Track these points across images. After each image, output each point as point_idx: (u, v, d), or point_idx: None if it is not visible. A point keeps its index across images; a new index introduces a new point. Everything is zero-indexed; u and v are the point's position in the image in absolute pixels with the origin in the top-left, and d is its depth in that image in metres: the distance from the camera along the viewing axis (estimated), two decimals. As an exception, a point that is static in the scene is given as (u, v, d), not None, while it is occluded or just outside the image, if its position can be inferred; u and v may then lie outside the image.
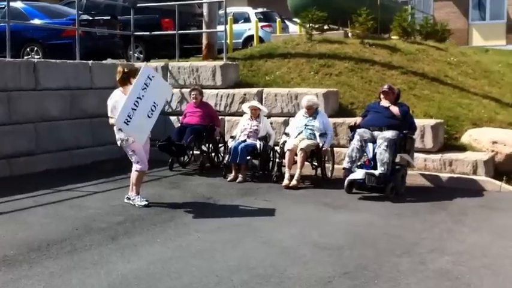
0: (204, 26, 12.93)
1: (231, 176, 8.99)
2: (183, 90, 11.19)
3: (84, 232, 6.15)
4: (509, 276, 4.94)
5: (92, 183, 8.63)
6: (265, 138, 9.19)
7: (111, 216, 6.76)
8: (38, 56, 11.85)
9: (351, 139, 8.27)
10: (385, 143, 7.76)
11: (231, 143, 9.24)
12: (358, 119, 8.63)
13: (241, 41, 18.06)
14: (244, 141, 9.07)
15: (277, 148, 9.27)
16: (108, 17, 13.34)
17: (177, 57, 12.18)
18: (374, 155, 7.88)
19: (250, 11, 19.86)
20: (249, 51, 13.66)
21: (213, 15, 12.84)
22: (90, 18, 12.95)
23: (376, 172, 7.72)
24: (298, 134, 8.85)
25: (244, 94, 10.62)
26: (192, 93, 10.06)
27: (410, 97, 10.54)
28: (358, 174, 7.86)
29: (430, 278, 4.88)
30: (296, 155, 8.57)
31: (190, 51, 14.10)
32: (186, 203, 7.54)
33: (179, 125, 10.34)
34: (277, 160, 9.13)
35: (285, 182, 8.44)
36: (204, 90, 10.89)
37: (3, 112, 9.05)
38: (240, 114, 9.99)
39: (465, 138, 9.40)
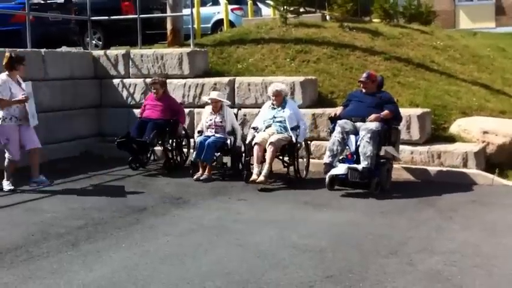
0: (168, 10, 12.89)
1: (198, 174, 8.90)
2: (147, 80, 11.11)
3: (41, 238, 6.10)
4: (503, 275, 5.04)
5: (47, 184, 8.55)
6: (234, 133, 9.14)
7: (71, 220, 6.72)
8: (-16, 44, 11.68)
9: (331, 131, 8.25)
10: (368, 135, 7.75)
11: (197, 138, 9.12)
12: (338, 109, 8.59)
13: (209, 25, 18.04)
14: (213, 135, 8.99)
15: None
16: (62, 1, 13.21)
17: (140, 44, 12.12)
18: (357, 148, 7.87)
19: (219, -7, 19.81)
20: (218, 36, 13.66)
21: (178, -3, 12.80)
22: (42, 1, 12.81)
23: (359, 166, 7.73)
24: (267, 127, 8.67)
25: (215, 84, 10.61)
26: (153, 86, 9.85)
27: (395, 85, 10.67)
28: (340, 169, 7.85)
29: (419, 279, 4.95)
30: (265, 150, 8.39)
31: (154, 37, 14.02)
32: (153, 204, 7.53)
33: (138, 119, 9.98)
34: (245, 158, 8.87)
35: (253, 176, 8.25)
36: (170, 80, 10.88)
37: None
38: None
39: (454, 129, 9.55)
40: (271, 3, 15.35)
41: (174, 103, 9.97)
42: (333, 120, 8.36)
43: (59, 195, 8.03)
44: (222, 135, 9.03)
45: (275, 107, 8.77)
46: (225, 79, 10.68)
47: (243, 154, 9.06)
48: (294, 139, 8.49)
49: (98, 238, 6.11)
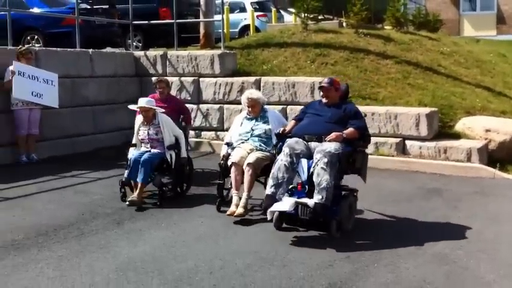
0: (201, 15, 12.92)
1: (134, 196, 6.60)
2: (182, 78, 11.19)
3: (90, 217, 6.19)
4: (505, 259, 5.01)
5: (95, 169, 8.64)
6: (176, 147, 6.97)
7: (115, 202, 6.78)
8: (39, 45, 11.79)
9: (278, 152, 5.88)
10: (325, 160, 5.44)
11: (130, 154, 6.94)
12: (289, 124, 6.32)
13: (237, 30, 18.05)
14: (149, 151, 6.91)
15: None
16: (107, 6, 13.30)
17: (176, 46, 12.15)
18: (310, 176, 5.56)
19: (246, 1, 19.81)
20: (245, 40, 13.66)
21: (210, 4, 12.83)
22: (89, 7, 12.91)
23: (311, 202, 5.43)
24: (242, 143, 6.51)
25: (242, 83, 10.63)
26: (158, 85, 8.21)
27: (405, 86, 10.61)
28: (285, 204, 5.46)
29: (428, 262, 4.94)
30: (243, 172, 6.21)
31: (188, 40, 14.07)
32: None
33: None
34: (218, 181, 6.54)
35: (231, 208, 6.04)
36: (203, 79, 10.94)
37: (5, 100, 9.02)
38: (239, 102, 9.94)
39: (459, 127, 9.47)
40: (293, 10, 15.31)
41: (180, 102, 8.75)
42: (281, 138, 6.03)
43: (105, 180, 8.10)
44: (160, 149, 6.92)
45: (251, 117, 6.65)
46: (252, 78, 10.69)
47: (190, 169, 7.34)
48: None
49: (140, 218, 6.18)
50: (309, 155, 5.63)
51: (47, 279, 4.49)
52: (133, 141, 7.13)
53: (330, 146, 5.57)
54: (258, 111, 6.61)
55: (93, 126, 10.30)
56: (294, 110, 10.05)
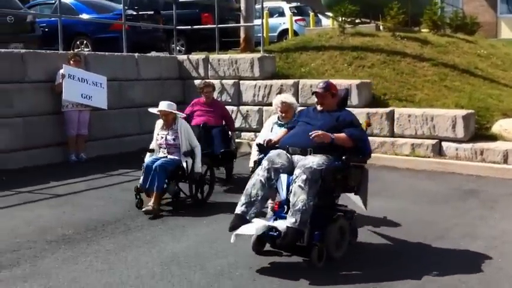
0: (241, 20, 13.00)
1: (149, 205, 6.23)
2: (223, 81, 11.30)
3: (135, 214, 6.32)
4: (541, 260, 4.93)
5: (140, 168, 8.69)
6: (192, 153, 6.53)
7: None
8: (88, 49, 12.08)
9: (257, 164, 5.06)
10: (303, 177, 4.58)
11: (146, 159, 6.66)
12: (279, 133, 5.53)
13: (276, 34, 18.09)
14: (165, 157, 6.56)
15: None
16: (152, 12, 13.50)
17: (217, 50, 12.26)
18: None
19: (285, 6, 19.88)
20: (284, 44, 13.69)
21: (250, 9, 12.89)
22: (135, 13, 13.14)
23: (282, 225, 4.58)
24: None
25: (281, 85, 10.67)
26: (205, 89, 7.92)
27: (442, 88, 10.47)
28: (251, 227, 4.62)
29: (463, 261, 4.89)
30: None
31: (228, 44, 14.18)
32: (226, 188, 7.64)
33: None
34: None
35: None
36: (243, 82, 11.02)
37: (57, 102, 9.27)
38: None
39: (496, 128, 9.29)
40: (331, 15, 15.26)
41: (224, 109, 8.34)
42: (264, 150, 5.17)
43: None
44: (177, 156, 6.56)
45: (283, 123, 6.04)
46: (290, 81, 10.71)
47: (205, 181, 6.79)
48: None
49: (183, 215, 6.28)
50: (291, 170, 4.75)
51: (96, 272, 4.63)
52: (151, 146, 6.75)
53: (313, 160, 4.68)
54: (290, 116, 5.99)
55: (139, 127, 10.49)
56: (331, 112, 10.06)
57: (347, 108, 5.35)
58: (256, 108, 10.89)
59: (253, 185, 4.78)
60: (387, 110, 9.62)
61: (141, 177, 6.47)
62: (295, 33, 17.10)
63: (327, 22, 18.82)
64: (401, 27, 13.47)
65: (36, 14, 12.59)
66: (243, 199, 4.78)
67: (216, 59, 11.62)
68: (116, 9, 13.02)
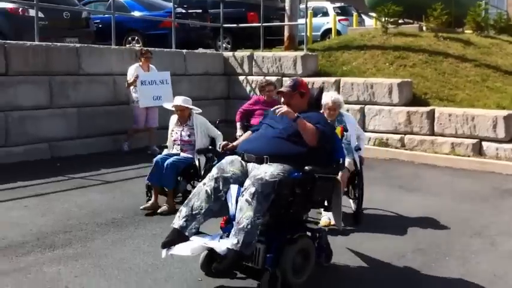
0: (286, 19, 13.00)
1: (150, 202, 6.04)
2: (267, 77, 11.30)
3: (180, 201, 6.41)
4: None
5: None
6: (207, 151, 5.53)
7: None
8: (139, 45, 12.31)
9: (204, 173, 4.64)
10: (252, 190, 3.79)
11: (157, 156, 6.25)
12: (243, 136, 4.70)
13: (319, 33, 18.01)
14: (177, 154, 6.14)
15: None
16: (200, 11, 13.67)
17: (262, 47, 12.31)
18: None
19: (329, 6, 19.77)
20: (327, 43, 13.63)
21: (295, 9, 12.89)
22: (184, 11, 13.32)
23: (222, 247, 3.77)
24: None
25: (323, 83, 10.62)
26: (267, 88, 7.43)
27: (483, 89, 10.25)
28: (186, 248, 3.85)
29: (499, 258, 4.81)
30: None
31: (273, 42, 14.22)
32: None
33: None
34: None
35: (324, 220, 5.35)
36: (285, 79, 11.00)
37: (110, 94, 9.51)
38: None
39: (537, 129, 9.04)
40: (374, 15, 15.11)
41: None
42: (220, 155, 4.41)
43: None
44: (190, 154, 6.09)
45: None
46: (332, 79, 10.68)
47: None
48: (358, 164, 5.74)
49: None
50: (244, 181, 3.91)
51: (142, 254, 4.75)
52: (167, 143, 6.41)
53: (266, 170, 3.85)
54: (335, 115, 5.71)
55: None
56: (371, 110, 9.99)
57: (318, 112, 4.47)
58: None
59: (198, 195, 3.97)
60: (428, 109, 9.49)
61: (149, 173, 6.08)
62: (338, 33, 16.97)
63: (370, 22, 18.63)
64: (444, 28, 13.23)
65: (90, 11, 12.90)
66: (183, 211, 3.97)
67: (260, 57, 11.67)
68: (166, 8, 13.23)
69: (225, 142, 4.47)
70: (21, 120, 8.39)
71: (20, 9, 10.32)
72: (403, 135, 9.54)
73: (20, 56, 8.42)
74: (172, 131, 6.30)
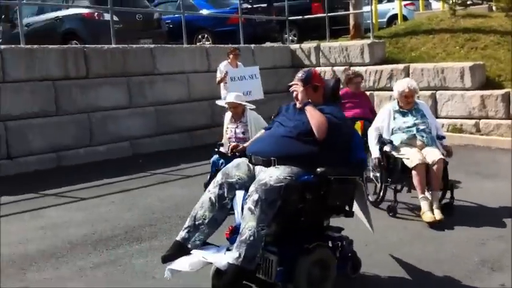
0: (350, 8, 12.85)
1: None
2: (334, 68, 11.27)
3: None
4: None
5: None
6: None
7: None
8: (208, 42, 12.53)
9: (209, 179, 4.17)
10: (255, 197, 3.34)
11: (214, 155, 5.94)
12: (255, 137, 4.40)
13: (385, 20, 17.62)
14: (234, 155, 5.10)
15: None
16: (265, 5, 13.72)
17: (328, 38, 12.23)
18: None
19: (394, -9, 19.23)
20: (393, 29, 13.34)
21: (359, -4, 12.72)
22: (250, 6, 13.40)
23: (223, 262, 3.34)
24: (408, 138, 5.35)
25: (392, 70, 10.45)
26: (354, 80, 6.95)
27: (560, 69, 9.72)
28: (186, 262, 3.42)
29: None
30: (427, 171, 5.15)
31: (338, 32, 14.07)
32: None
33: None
34: (385, 184, 5.46)
35: (428, 215, 5.03)
36: (353, 68, 10.90)
37: (184, 92, 9.75)
38: (389, 89, 9.80)
39: None
40: (441, -3, 14.63)
41: (369, 100, 7.42)
42: (228, 158, 4.24)
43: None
44: None
45: (405, 111, 5.46)
46: (401, 66, 10.46)
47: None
48: (444, 154, 5.36)
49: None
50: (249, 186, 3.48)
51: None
52: (223, 140, 6.11)
53: (272, 174, 3.39)
54: (412, 103, 5.42)
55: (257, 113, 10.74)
56: (443, 95, 9.74)
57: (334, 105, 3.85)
58: (367, 93, 10.71)
59: (202, 204, 3.59)
60: (502, 91, 9.13)
61: (208, 175, 5.82)
62: (405, 18, 16.54)
63: (437, 5, 18.02)
64: (516, 7, 12.63)
65: (161, 12, 13.24)
66: (187, 222, 3.59)
67: (327, 47, 11.60)
68: (232, 4, 13.36)
69: (234, 143, 4.17)
70: (103, 120, 8.77)
71: (96, 13, 10.73)
72: (477, 120, 9.24)
73: (99, 59, 8.78)
74: (227, 128, 6.09)
